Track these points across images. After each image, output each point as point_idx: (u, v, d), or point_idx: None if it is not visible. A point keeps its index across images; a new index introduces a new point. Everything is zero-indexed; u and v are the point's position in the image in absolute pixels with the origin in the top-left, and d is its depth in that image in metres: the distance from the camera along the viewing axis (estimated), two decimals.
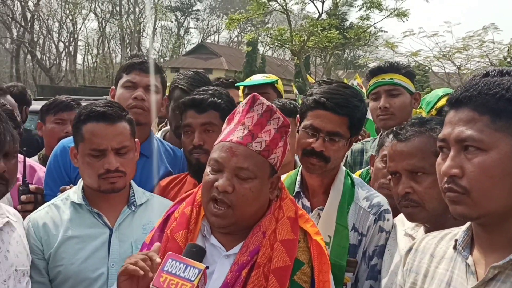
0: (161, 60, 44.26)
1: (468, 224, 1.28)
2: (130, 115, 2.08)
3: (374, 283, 1.90)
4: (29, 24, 33.47)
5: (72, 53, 38.93)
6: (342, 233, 1.92)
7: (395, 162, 1.73)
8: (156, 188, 2.37)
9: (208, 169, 1.58)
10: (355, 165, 2.92)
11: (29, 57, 36.18)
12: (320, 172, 1.95)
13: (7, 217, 1.80)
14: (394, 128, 1.83)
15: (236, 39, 51.93)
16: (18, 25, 33.69)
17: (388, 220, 1.94)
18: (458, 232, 1.31)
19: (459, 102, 1.20)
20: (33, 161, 2.76)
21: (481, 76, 1.23)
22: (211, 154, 1.60)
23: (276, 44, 20.97)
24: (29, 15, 33.38)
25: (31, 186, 2.24)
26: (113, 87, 2.55)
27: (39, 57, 35.50)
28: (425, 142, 1.69)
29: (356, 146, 2.95)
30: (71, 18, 36.98)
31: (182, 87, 2.72)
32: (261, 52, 39.49)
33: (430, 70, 21.07)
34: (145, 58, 2.51)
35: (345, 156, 2.98)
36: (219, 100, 2.23)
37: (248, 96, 1.63)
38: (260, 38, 27.01)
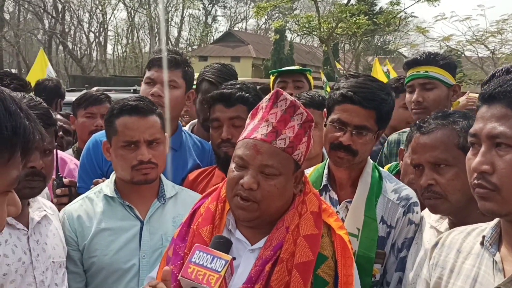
0: (189, 48, 44.50)
1: (496, 220, 1.27)
2: (160, 111, 2.12)
3: (403, 275, 1.90)
4: (60, 15, 34.12)
5: (102, 43, 39.58)
6: (370, 225, 1.93)
7: (418, 154, 1.73)
8: (185, 181, 2.42)
9: (232, 165, 1.60)
10: (391, 156, 2.88)
11: (60, 48, 36.96)
12: (348, 166, 1.96)
13: (44, 210, 1.88)
14: (417, 121, 1.82)
15: (263, 26, 51.70)
16: (50, 17, 34.40)
17: (417, 212, 1.94)
18: (486, 228, 1.31)
19: (492, 98, 1.18)
20: (64, 153, 2.84)
21: (503, 72, 1.21)
22: (235, 151, 1.61)
23: (304, 31, 20.70)
24: (60, 6, 34.04)
25: (65, 180, 2.31)
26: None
27: (70, 48, 36.20)
28: (447, 135, 1.69)
29: (393, 136, 2.91)
30: (100, 8, 37.48)
31: (210, 79, 2.74)
32: (289, 39, 39.26)
33: (463, 55, 20.57)
34: (169, 53, 2.54)
35: (382, 148, 2.98)
36: (247, 94, 2.24)
37: (271, 92, 1.64)
38: (287, 25, 26.79)
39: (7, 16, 33.92)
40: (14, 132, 0.83)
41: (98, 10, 38.14)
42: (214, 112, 2.28)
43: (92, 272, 2.01)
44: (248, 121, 1.68)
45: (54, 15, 33.67)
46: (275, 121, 1.58)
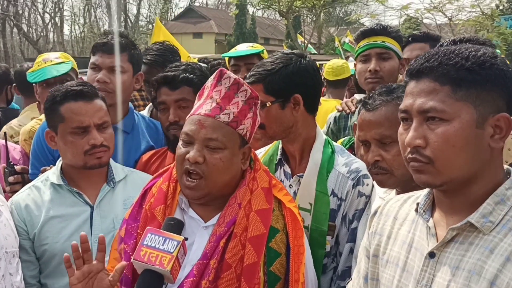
0: (150, 26, 43.53)
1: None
2: (102, 94, 2.11)
3: (354, 245, 1.96)
4: None
5: (59, 24, 38.29)
6: (322, 199, 1.97)
7: (364, 131, 1.76)
8: (138, 163, 2.42)
9: (180, 142, 1.63)
10: (339, 132, 2.91)
11: (15, 30, 35.59)
12: (267, 139, 2.05)
13: None
14: (362, 98, 1.84)
15: (225, 0, 50.97)
16: None
17: (367, 185, 1.97)
18: (420, 195, 1.35)
19: (419, 73, 1.20)
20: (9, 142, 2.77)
21: (450, 43, 1.24)
22: (183, 128, 1.64)
23: (262, 5, 20.53)
24: None
25: (17, 167, 2.29)
26: None
27: (25, 30, 34.91)
28: (392, 111, 1.70)
29: (338, 113, 2.94)
30: None
31: (148, 61, 2.79)
32: (251, 13, 38.87)
33: (422, 23, 20.83)
34: (109, 37, 2.50)
35: (329, 123, 3.01)
36: (192, 76, 2.25)
37: (216, 71, 1.66)
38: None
39: None
40: None
41: None
42: (160, 96, 2.28)
43: (45, 259, 2.01)
44: (195, 101, 1.71)
45: None
46: (219, 98, 1.62)
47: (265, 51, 3.47)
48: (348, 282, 1.57)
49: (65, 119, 1.99)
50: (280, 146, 2.13)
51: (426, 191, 1.33)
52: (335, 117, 2.96)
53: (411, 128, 1.20)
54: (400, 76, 2.85)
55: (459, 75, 1.15)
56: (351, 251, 1.97)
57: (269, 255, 1.61)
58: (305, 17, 34.53)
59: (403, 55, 2.85)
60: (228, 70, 2.26)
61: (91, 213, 2.03)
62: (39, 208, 2.02)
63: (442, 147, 1.16)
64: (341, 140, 2.67)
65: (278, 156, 2.11)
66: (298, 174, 2.05)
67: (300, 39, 19.72)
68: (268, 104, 1.94)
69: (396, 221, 1.38)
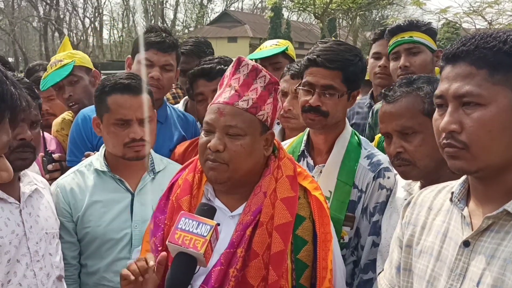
0: (186, 30, 44.19)
1: (464, 177, 1.30)
2: (150, 87, 2.17)
3: (376, 239, 1.95)
4: (54, 1, 33.82)
5: (98, 28, 39.32)
6: (342, 188, 1.98)
7: (385, 123, 1.75)
8: (176, 154, 2.48)
9: (202, 132, 1.65)
10: (377, 126, 2.92)
11: (56, 34, 36.72)
12: (321, 127, 2.01)
13: (35, 184, 1.93)
14: (383, 90, 1.83)
15: (260, 5, 51.22)
16: (44, 3, 34.10)
17: (388, 178, 1.97)
18: (455, 185, 1.33)
19: (456, 57, 1.18)
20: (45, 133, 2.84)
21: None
22: (204, 118, 1.65)
23: (298, 7, 20.54)
24: None
25: (54, 155, 2.37)
26: (129, 56, 2.64)
27: (66, 34, 35.96)
28: (412, 102, 1.70)
29: (378, 105, 2.93)
30: None
31: (184, 50, 2.88)
32: (286, 17, 38.91)
33: (461, 28, 20.40)
34: (163, 35, 2.57)
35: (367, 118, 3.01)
36: (226, 67, 2.29)
37: (234, 60, 1.68)
38: (283, 2, 26.56)
39: (1, 5, 33.68)
40: (1, 98, 0.85)
41: None
42: (197, 87, 2.36)
43: (86, 241, 2.08)
44: (217, 91, 1.72)
45: (48, 2, 33.39)
46: (238, 85, 1.62)
47: (289, 47, 3.43)
48: (380, 273, 1.56)
49: (110, 110, 2.05)
50: (305, 138, 2.13)
51: (460, 180, 1.31)
52: (372, 110, 2.96)
53: (446, 113, 1.18)
54: (436, 69, 2.83)
55: (497, 58, 1.13)
56: (374, 244, 1.95)
57: (296, 243, 1.61)
58: (340, 20, 34.33)
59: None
60: None
61: (132, 200, 2.09)
62: (83, 192, 2.09)
63: (478, 132, 1.13)
64: (379, 135, 2.66)
65: (302, 148, 2.12)
66: (320, 165, 2.06)
67: None
68: (338, 93, 1.95)
69: (431, 211, 1.36)
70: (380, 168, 1.97)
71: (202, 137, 1.63)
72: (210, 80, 2.31)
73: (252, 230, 1.58)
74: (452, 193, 1.30)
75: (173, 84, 2.84)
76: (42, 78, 3.00)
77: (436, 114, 1.23)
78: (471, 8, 18.48)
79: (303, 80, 2.01)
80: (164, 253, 1.56)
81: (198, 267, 1.48)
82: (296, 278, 1.61)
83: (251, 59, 3.59)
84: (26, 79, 1.90)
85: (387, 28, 2.83)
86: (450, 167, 1.20)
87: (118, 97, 2.04)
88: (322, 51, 1.96)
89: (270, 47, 3.47)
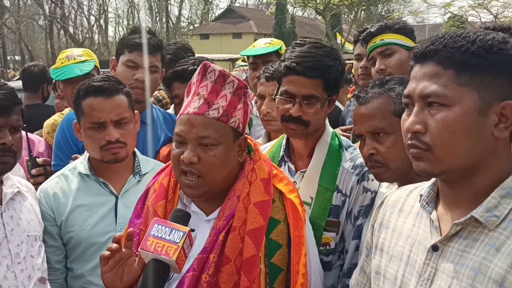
0: (191, 27, 44.18)
1: (434, 179, 1.28)
2: (128, 88, 2.16)
3: (359, 242, 1.91)
4: None
5: (103, 26, 39.38)
6: (324, 194, 1.94)
7: (358, 125, 1.74)
8: (160, 156, 2.48)
9: (173, 143, 1.62)
10: None
11: (62, 32, 36.85)
12: (302, 136, 1.96)
13: (17, 187, 1.95)
14: (356, 92, 1.82)
15: (265, 1, 51.02)
16: (49, 1, 34.21)
17: (372, 180, 1.91)
18: (424, 187, 1.31)
19: (424, 56, 1.16)
20: (33, 135, 2.87)
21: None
22: (174, 129, 1.61)
23: (299, 3, 20.45)
24: None
25: (39, 160, 2.37)
26: (114, 57, 2.64)
27: (71, 32, 36.11)
28: (384, 103, 1.68)
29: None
30: None
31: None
32: (290, 12, 38.76)
33: (467, 21, 20.25)
34: (148, 36, 2.58)
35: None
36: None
37: (200, 66, 1.64)
38: None
39: (7, 3, 33.82)
40: None
41: None
42: (173, 90, 2.38)
43: (71, 245, 2.09)
44: (185, 98, 1.69)
45: (53, 0, 33.49)
46: (206, 93, 1.59)
47: (282, 47, 3.43)
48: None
49: (85, 114, 2.05)
50: (284, 142, 2.09)
51: (430, 182, 1.29)
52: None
53: (412, 113, 1.16)
54: None
55: (464, 59, 1.10)
56: (357, 248, 1.92)
57: (269, 247, 1.59)
58: (345, 16, 34.14)
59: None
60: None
61: (116, 203, 2.09)
62: (67, 196, 2.10)
63: (441, 133, 1.11)
64: None
65: (281, 153, 2.08)
66: (301, 170, 2.02)
67: (339, 37, 19.50)
68: (320, 101, 1.89)
69: (401, 214, 1.35)
70: (364, 170, 1.93)
71: (174, 149, 1.60)
72: (183, 82, 2.33)
73: (225, 235, 1.57)
74: (421, 195, 1.28)
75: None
76: (54, 67, 3.03)
77: (404, 114, 1.21)
78: (476, 2, 18.35)
79: (282, 89, 1.92)
80: (131, 229, 1.57)
81: (172, 273, 1.48)
82: (270, 282, 1.59)
83: (244, 55, 3.62)
84: (8, 85, 1.91)
85: (359, 38, 2.82)
86: (415, 168, 1.18)
87: (91, 100, 2.03)
88: (301, 58, 1.87)
89: (264, 45, 3.49)
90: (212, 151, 1.56)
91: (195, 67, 2.31)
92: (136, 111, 2.17)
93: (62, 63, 2.97)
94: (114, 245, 1.52)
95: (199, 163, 1.55)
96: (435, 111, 1.12)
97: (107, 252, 1.52)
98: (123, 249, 1.55)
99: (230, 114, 1.59)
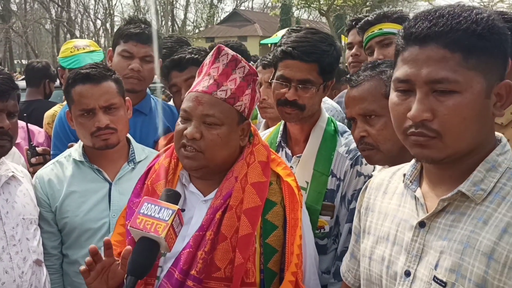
0: (196, 30, 44.31)
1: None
2: (117, 75, 2.18)
3: (352, 226, 1.94)
4: (66, 3, 34.16)
5: (109, 29, 39.57)
6: (319, 179, 1.97)
7: (350, 108, 1.75)
8: (159, 145, 2.50)
9: (179, 119, 1.66)
10: None
11: (68, 36, 37.07)
12: (297, 120, 1.98)
13: (12, 172, 1.98)
14: (348, 75, 1.83)
15: (270, 4, 51.10)
16: (56, 5, 34.48)
17: (366, 164, 1.93)
18: (407, 166, 1.30)
19: (425, 38, 1.08)
20: (33, 126, 2.91)
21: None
22: (181, 105, 1.66)
23: (301, 4, 20.47)
24: None
25: (38, 149, 2.41)
26: (110, 48, 2.68)
27: (78, 36, 36.31)
28: (374, 85, 1.70)
29: None
30: None
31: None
32: (296, 15, 38.76)
33: None
34: (142, 26, 2.60)
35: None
36: (197, 56, 2.34)
37: (214, 48, 1.68)
38: (289, 0, 26.48)
39: (14, 7, 34.14)
40: None
41: None
42: (171, 79, 2.39)
43: (66, 231, 2.12)
44: (195, 78, 1.73)
45: (60, 4, 33.75)
46: (217, 75, 1.63)
47: None
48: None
49: (74, 102, 2.08)
50: (281, 128, 2.13)
51: (412, 161, 1.29)
52: None
53: (415, 99, 1.09)
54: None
55: (471, 41, 1.05)
56: (350, 231, 1.91)
57: (265, 228, 1.61)
58: (349, 17, 34.08)
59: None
60: None
61: (110, 189, 2.11)
62: (61, 182, 2.12)
63: (454, 120, 1.07)
64: None
65: (278, 139, 2.11)
66: (297, 155, 2.05)
67: (343, 39, 19.44)
68: (315, 86, 1.92)
69: (386, 195, 1.35)
70: (358, 155, 1.95)
71: (179, 124, 1.63)
72: (181, 70, 2.35)
73: (221, 213, 1.59)
74: (404, 175, 1.28)
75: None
76: (63, 56, 3.06)
77: (396, 99, 1.15)
78: (482, 3, 18.29)
79: (278, 73, 1.97)
80: (129, 247, 1.56)
81: (164, 254, 1.49)
82: (264, 262, 1.62)
83: (265, 44, 3.69)
84: (5, 70, 1.95)
85: (357, 26, 2.81)
86: (416, 155, 1.14)
87: (80, 88, 2.06)
88: (297, 42, 1.92)
89: (271, 39, 3.60)
90: (216, 130, 1.59)
91: (193, 55, 2.35)
92: (127, 98, 2.19)
93: (71, 52, 3.01)
94: (87, 259, 1.54)
95: (201, 140, 1.58)
96: (444, 97, 1.07)
97: (84, 267, 1.55)
98: (104, 258, 1.56)
99: (238, 97, 1.62)
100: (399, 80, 1.13)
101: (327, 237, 1.99)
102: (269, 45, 3.76)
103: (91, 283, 1.55)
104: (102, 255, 1.58)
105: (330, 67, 1.95)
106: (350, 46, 3.06)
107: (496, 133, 1.19)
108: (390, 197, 1.33)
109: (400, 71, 1.13)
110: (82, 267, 1.55)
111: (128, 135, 2.25)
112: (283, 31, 3.69)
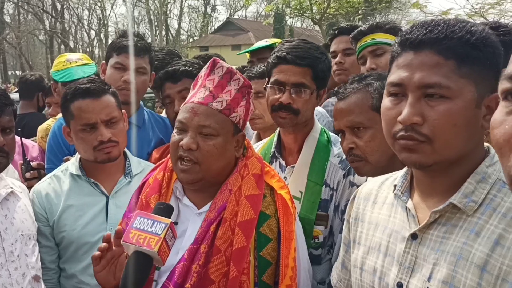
0: (190, 39, 44.44)
1: (406, 168, 1.28)
2: (114, 89, 2.21)
3: None
4: (59, 14, 34.20)
5: (104, 40, 39.61)
6: (313, 188, 1.99)
7: (338, 120, 1.78)
8: (152, 158, 2.53)
9: (174, 130, 1.68)
10: None
11: (62, 47, 37.05)
12: (291, 125, 2.01)
13: (11, 187, 1.99)
14: (336, 88, 1.87)
15: (263, 12, 51.36)
16: (50, 16, 34.49)
17: None
18: (397, 176, 1.31)
19: (420, 44, 1.10)
20: (27, 140, 2.91)
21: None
22: (177, 117, 1.68)
23: (295, 13, 20.62)
24: (59, 5, 34.09)
25: (33, 163, 2.42)
26: (104, 62, 2.71)
27: (72, 46, 36.30)
28: (361, 98, 1.73)
29: None
30: (99, 5, 37.55)
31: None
32: (289, 23, 38.96)
33: None
34: (134, 39, 2.64)
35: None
36: (191, 68, 2.37)
37: (209, 61, 1.71)
38: (280, 8, 26.68)
39: (7, 19, 34.12)
40: None
41: (97, 7, 38.25)
42: (164, 91, 2.42)
43: (63, 245, 2.13)
44: (190, 91, 1.75)
45: (54, 15, 33.77)
46: (212, 86, 1.66)
47: (277, 43, 3.55)
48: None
49: (74, 117, 2.09)
50: (275, 139, 2.15)
51: (403, 172, 1.29)
52: None
53: (406, 103, 1.11)
54: None
55: (465, 50, 1.08)
56: None
57: (259, 240, 1.63)
58: (342, 24, 34.23)
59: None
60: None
61: (107, 203, 2.13)
62: (59, 196, 2.14)
63: (443, 125, 1.08)
64: None
65: (272, 149, 2.14)
66: (291, 166, 2.07)
67: None
68: (309, 90, 1.97)
69: (375, 205, 1.35)
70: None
71: (174, 135, 1.65)
72: (175, 82, 2.39)
73: (216, 226, 1.60)
74: (395, 186, 1.28)
75: None
76: (56, 70, 3.06)
77: (388, 103, 1.16)
78: (473, 10, 18.42)
79: (272, 79, 2.01)
80: (119, 227, 1.59)
81: (158, 268, 1.50)
82: (259, 275, 1.62)
83: (243, 53, 3.75)
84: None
85: (350, 36, 2.85)
86: (403, 159, 1.15)
87: (80, 103, 2.07)
88: (290, 49, 1.98)
89: (260, 43, 3.71)
90: (211, 140, 1.61)
91: (187, 68, 2.40)
92: (123, 111, 2.21)
93: (63, 65, 3.02)
94: (104, 245, 1.55)
95: (197, 151, 1.60)
96: (435, 102, 1.09)
97: (98, 252, 1.55)
98: (114, 248, 1.57)
99: (233, 108, 1.65)
100: (392, 84, 1.15)
101: (322, 247, 2.01)
102: (247, 54, 3.83)
103: (100, 271, 1.56)
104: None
105: (322, 73, 2.01)
106: (334, 54, 3.10)
107: (485, 144, 1.20)
108: (380, 207, 1.33)
109: (394, 75, 1.15)
110: (96, 253, 1.55)
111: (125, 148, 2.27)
112: (260, 42, 3.77)
